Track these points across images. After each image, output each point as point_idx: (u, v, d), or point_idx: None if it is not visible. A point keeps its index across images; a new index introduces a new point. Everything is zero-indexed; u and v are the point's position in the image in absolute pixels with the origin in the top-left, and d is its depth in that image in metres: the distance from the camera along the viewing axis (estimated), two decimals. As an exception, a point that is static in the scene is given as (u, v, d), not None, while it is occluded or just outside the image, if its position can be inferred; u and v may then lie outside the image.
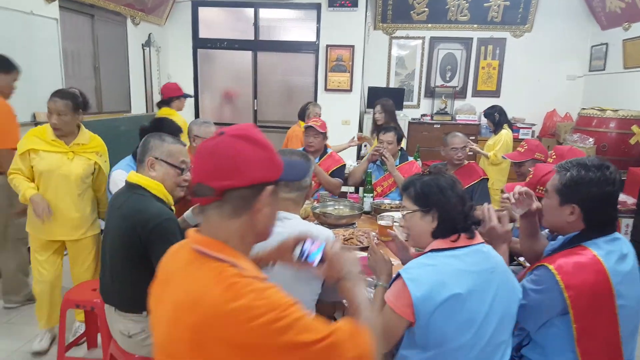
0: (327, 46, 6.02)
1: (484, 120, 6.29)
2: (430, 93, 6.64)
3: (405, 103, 6.49)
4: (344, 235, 2.24)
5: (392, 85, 6.68)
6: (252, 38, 6.22)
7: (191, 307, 0.90)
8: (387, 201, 2.95)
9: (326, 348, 0.89)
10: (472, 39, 6.52)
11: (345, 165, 3.46)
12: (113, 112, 5.00)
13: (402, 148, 3.47)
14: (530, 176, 2.07)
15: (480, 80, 6.63)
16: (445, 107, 6.54)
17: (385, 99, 4.27)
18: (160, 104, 4.21)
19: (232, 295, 0.88)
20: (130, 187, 1.83)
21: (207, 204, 1.00)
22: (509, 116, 4.86)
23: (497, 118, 4.63)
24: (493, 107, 4.75)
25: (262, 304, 0.87)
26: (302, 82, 6.31)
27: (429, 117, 6.51)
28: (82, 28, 4.62)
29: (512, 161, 2.90)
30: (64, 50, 4.17)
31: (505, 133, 4.51)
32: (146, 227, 1.69)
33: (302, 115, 4.68)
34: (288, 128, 4.88)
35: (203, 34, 6.29)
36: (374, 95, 6.06)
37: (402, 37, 6.59)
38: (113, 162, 4.29)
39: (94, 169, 2.70)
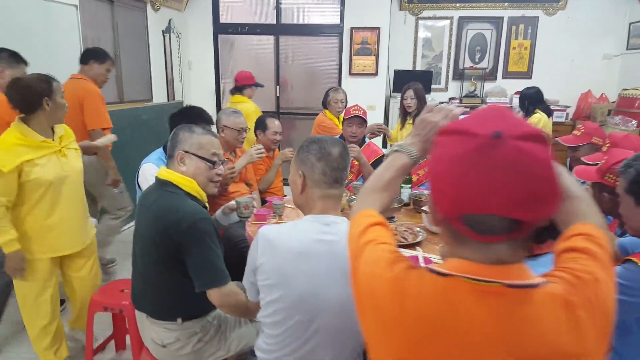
0: (352, 28, 5.80)
1: (515, 103, 6.06)
2: (459, 75, 6.38)
3: (432, 86, 6.25)
4: (386, 232, 2.08)
5: (418, 68, 6.43)
6: (274, 22, 6.02)
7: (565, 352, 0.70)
8: (427, 192, 2.77)
9: None
10: (502, 18, 6.21)
11: (383, 155, 3.29)
12: (134, 101, 4.90)
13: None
14: (603, 161, 1.88)
15: (511, 61, 6.34)
16: (475, 90, 6.28)
17: (414, 83, 3.95)
18: (233, 91, 4.31)
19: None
20: (160, 184, 1.70)
21: (502, 242, 0.74)
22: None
23: (525, 105, 4.42)
24: (529, 88, 4.52)
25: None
26: (326, 67, 6.11)
27: (458, 100, 6.26)
28: (102, 15, 4.49)
29: (566, 145, 2.69)
30: (84, 38, 4.05)
31: (539, 117, 4.28)
32: (179, 228, 1.56)
33: (325, 103, 4.42)
34: (312, 115, 4.70)
35: (224, 18, 6.11)
36: (401, 79, 5.84)
37: (429, 18, 6.31)
38: (135, 152, 4.22)
39: None
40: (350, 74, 5.96)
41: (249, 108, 4.15)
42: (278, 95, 6.30)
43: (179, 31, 5.70)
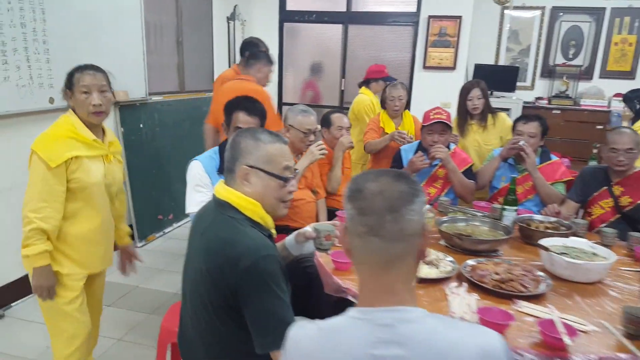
0: (430, 17, 5.27)
1: (614, 107, 5.33)
2: (548, 72, 5.68)
3: (517, 84, 5.60)
4: (496, 273, 1.60)
5: (501, 63, 5.80)
6: (344, 9, 5.59)
7: None
8: (537, 217, 2.24)
9: None
10: (604, 9, 5.46)
11: (473, 164, 2.79)
12: (195, 91, 4.65)
13: (542, 144, 2.74)
14: None
15: (611, 59, 5.56)
16: (567, 90, 5.57)
17: (478, 81, 3.22)
18: (361, 84, 4.15)
19: None
20: (217, 204, 1.33)
21: None
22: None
23: (637, 107, 3.76)
24: (636, 90, 3.85)
25: None
26: (398, 59, 5.60)
27: (546, 101, 5.58)
28: (166, -1, 4.25)
29: None
30: (146, 23, 3.80)
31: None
32: (236, 267, 1.18)
33: (383, 101, 3.64)
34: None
35: (290, 5, 5.76)
36: (482, 74, 5.22)
37: (516, 7, 5.65)
38: (194, 146, 3.95)
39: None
40: (425, 67, 5.44)
41: (362, 99, 3.93)
42: (343, 89, 5.87)
43: (243, 18, 5.40)
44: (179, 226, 4.34)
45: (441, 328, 0.84)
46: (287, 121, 2.56)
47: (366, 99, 3.93)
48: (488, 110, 3.18)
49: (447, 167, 2.62)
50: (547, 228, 2.09)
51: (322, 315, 2.11)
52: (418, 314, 0.86)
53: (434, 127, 2.64)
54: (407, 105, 3.56)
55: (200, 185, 2.17)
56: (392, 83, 3.56)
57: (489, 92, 4.93)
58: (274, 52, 5.82)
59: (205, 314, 1.27)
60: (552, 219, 2.19)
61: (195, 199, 2.14)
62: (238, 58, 5.41)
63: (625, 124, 4.28)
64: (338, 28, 5.68)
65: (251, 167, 1.32)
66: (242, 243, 1.21)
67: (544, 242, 1.84)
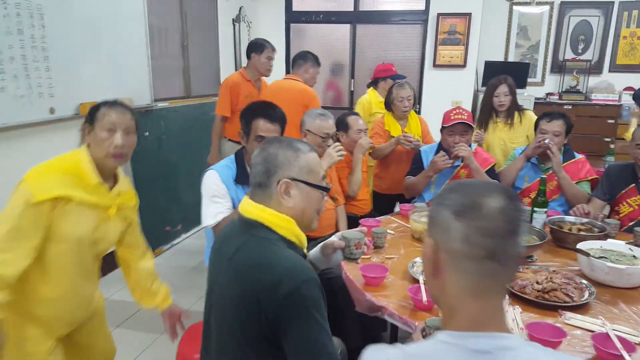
0: (439, 15, 5.19)
1: (625, 100, 5.25)
2: (558, 68, 5.60)
3: (527, 80, 5.51)
4: (537, 282, 1.52)
5: (511, 59, 5.71)
6: (352, 9, 5.51)
7: None
8: (569, 219, 2.16)
9: None
10: (612, 3, 5.39)
11: (495, 164, 2.70)
12: (202, 96, 4.57)
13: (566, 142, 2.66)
14: None
15: (620, 53, 5.48)
16: (577, 85, 5.48)
17: (505, 77, 3.14)
18: (369, 85, 4.04)
19: None
20: (245, 225, 1.21)
21: None
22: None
23: None
24: None
25: None
26: (407, 58, 5.51)
27: (557, 96, 5.49)
28: (170, 2, 4.17)
29: None
30: (150, 27, 3.72)
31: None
32: (276, 294, 1.07)
33: (389, 103, 3.44)
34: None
35: (297, 6, 5.69)
36: (492, 72, 5.15)
37: (525, 3, 5.57)
38: (202, 152, 3.87)
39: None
40: (434, 65, 5.36)
41: (360, 100, 3.87)
42: (352, 89, 5.79)
43: (249, 20, 5.33)
44: (188, 237, 4.25)
45: (540, 357, 0.78)
46: (304, 126, 2.47)
47: (364, 98, 3.85)
48: (515, 108, 3.10)
49: (470, 166, 2.53)
50: (580, 230, 2.01)
51: (347, 332, 2.01)
52: (516, 341, 0.78)
53: (455, 128, 2.55)
54: (415, 104, 3.45)
55: (217, 196, 2.05)
56: (398, 83, 3.41)
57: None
58: (280, 54, 5.75)
59: (236, 348, 1.16)
60: (584, 220, 2.12)
61: (212, 211, 2.02)
62: (244, 61, 5.36)
63: (634, 121, 4.21)
64: (346, 28, 5.60)
65: (293, 179, 1.22)
66: (280, 266, 1.10)
67: (581, 245, 1.76)
